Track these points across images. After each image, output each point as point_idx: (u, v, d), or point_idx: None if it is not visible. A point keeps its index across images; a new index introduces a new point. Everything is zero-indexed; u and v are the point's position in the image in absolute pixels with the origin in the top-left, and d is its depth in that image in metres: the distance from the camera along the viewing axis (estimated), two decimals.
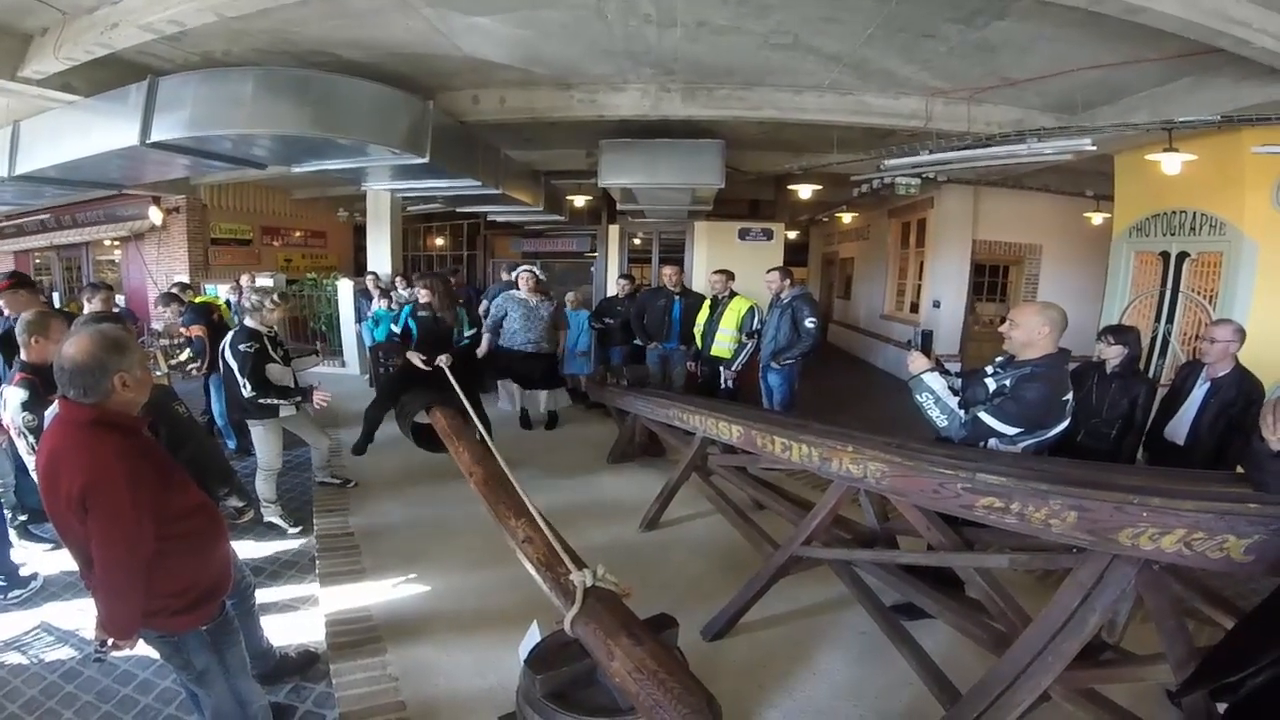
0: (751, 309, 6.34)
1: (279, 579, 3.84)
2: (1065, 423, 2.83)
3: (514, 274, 7.20)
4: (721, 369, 6.42)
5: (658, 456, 5.83)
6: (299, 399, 4.37)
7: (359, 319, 9.40)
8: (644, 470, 5.66)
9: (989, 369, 3.07)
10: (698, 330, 6.70)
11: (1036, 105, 5.99)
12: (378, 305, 8.12)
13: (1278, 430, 1.78)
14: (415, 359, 5.12)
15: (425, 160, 5.57)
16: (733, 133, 7.03)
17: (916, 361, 3.09)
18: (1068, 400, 2.82)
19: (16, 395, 3.04)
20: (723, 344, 6.40)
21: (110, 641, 1.89)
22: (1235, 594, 2.48)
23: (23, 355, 3.25)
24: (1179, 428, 3.80)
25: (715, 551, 4.17)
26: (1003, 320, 3.24)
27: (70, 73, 4.85)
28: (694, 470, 4.39)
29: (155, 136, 4.90)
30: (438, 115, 5.73)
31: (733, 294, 6.50)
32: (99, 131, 5.24)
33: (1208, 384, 3.71)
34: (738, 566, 3.71)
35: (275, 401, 4.30)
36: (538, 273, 7.01)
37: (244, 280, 9.03)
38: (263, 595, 3.49)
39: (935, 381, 2.98)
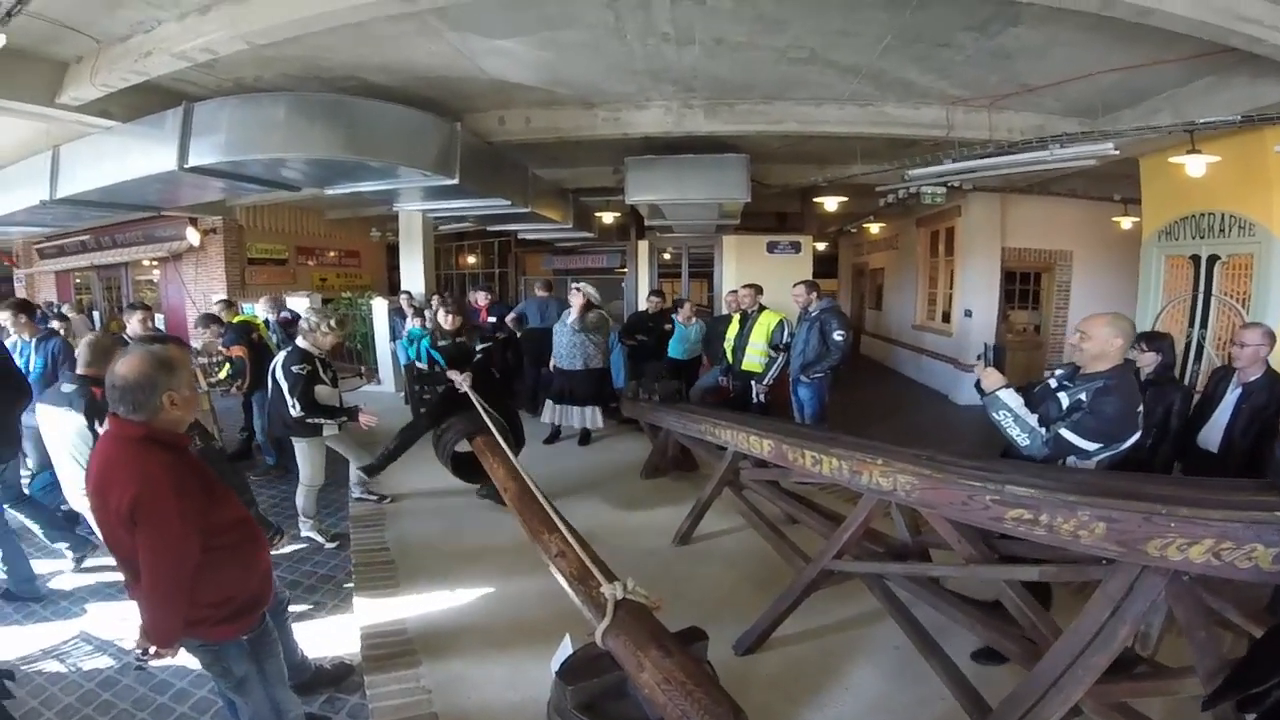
0: (781, 322, 6.35)
1: (315, 592, 3.93)
2: (1138, 434, 2.76)
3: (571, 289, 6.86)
4: (753, 383, 6.43)
5: (690, 471, 5.84)
6: (344, 419, 4.41)
7: (393, 337, 9.55)
8: (677, 485, 5.68)
9: (1052, 382, 2.99)
10: (728, 345, 6.73)
11: (1057, 110, 5.96)
12: (412, 324, 8.25)
13: None
14: (457, 377, 4.97)
15: (455, 181, 5.70)
16: (756, 146, 7.07)
17: (990, 378, 2.95)
18: (1140, 411, 2.78)
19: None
20: (753, 358, 6.42)
21: (152, 650, 1.95)
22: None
23: None
24: (1212, 435, 3.73)
25: (748, 566, 4.17)
26: (1056, 331, 3.19)
27: (107, 99, 4.99)
28: (726, 485, 4.40)
29: (193, 161, 5.06)
30: (465, 136, 5.86)
31: (761, 308, 6.52)
32: (137, 156, 5.39)
33: (1239, 389, 3.65)
34: (770, 581, 3.70)
35: (322, 421, 4.35)
36: (592, 293, 6.68)
37: (297, 300, 9.22)
38: (298, 608, 3.60)
39: (1012, 399, 2.87)
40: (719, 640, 2.40)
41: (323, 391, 4.39)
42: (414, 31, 4.50)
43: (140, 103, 5.23)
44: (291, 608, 3.09)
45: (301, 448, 4.49)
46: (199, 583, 1.95)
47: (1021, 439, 2.79)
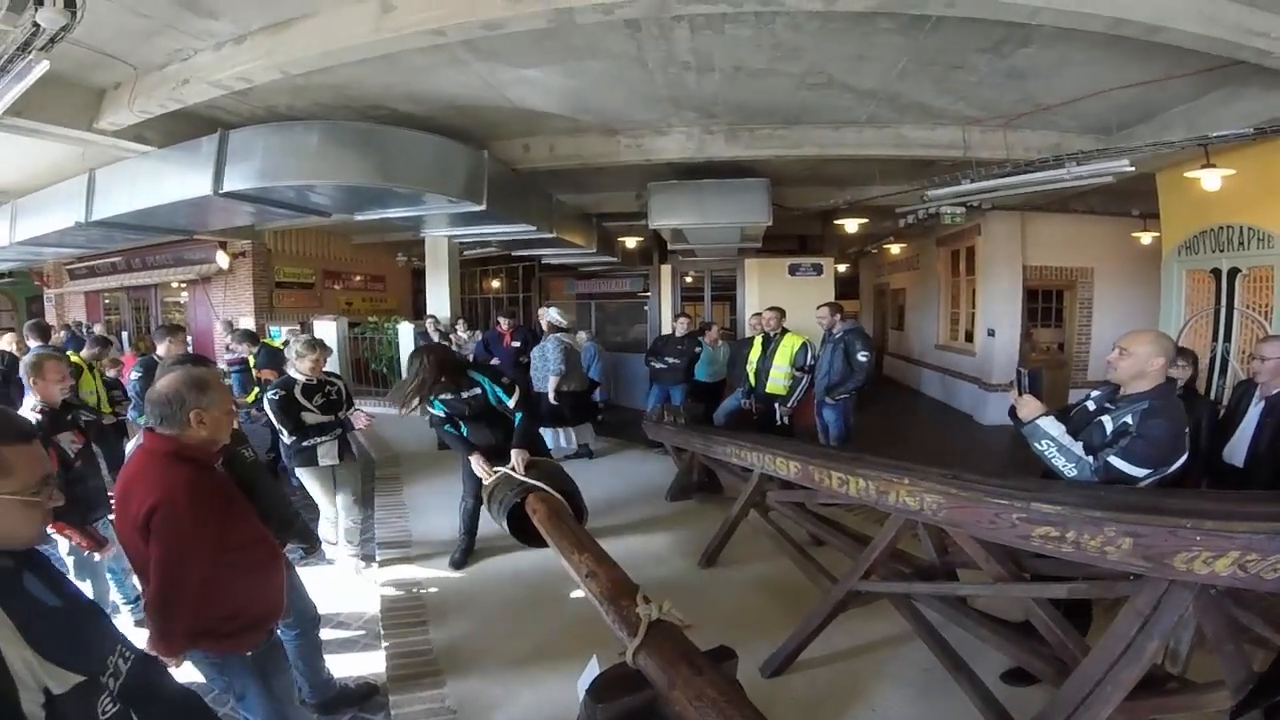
0: (804, 344, 6.39)
1: (342, 611, 3.94)
2: (1185, 455, 2.62)
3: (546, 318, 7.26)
4: (777, 405, 6.46)
5: (716, 493, 5.82)
6: (338, 430, 4.27)
7: None
8: (702, 507, 5.68)
9: (1091, 404, 2.88)
10: (750, 368, 6.76)
11: (1072, 129, 6.00)
12: None
13: None
14: (478, 468, 3.94)
15: (483, 207, 5.82)
16: (777, 170, 7.16)
17: (1027, 406, 2.79)
18: (1187, 431, 2.65)
19: None
20: (777, 380, 6.46)
21: (156, 656, 1.96)
22: None
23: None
24: (1237, 449, 3.68)
25: (774, 587, 4.17)
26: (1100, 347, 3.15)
27: (143, 124, 5.11)
28: (752, 506, 4.39)
29: (227, 187, 5.23)
30: (492, 164, 6.00)
31: (784, 331, 6.56)
32: (172, 181, 5.55)
33: (1262, 403, 3.60)
34: (797, 602, 3.69)
35: (315, 441, 4.18)
36: (553, 317, 7.13)
37: (324, 324, 9.33)
38: (325, 627, 3.64)
39: (1053, 427, 2.71)
40: (746, 662, 2.41)
41: (308, 418, 4.20)
42: (443, 63, 4.63)
43: (175, 128, 5.39)
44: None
45: (305, 480, 4.35)
46: (209, 594, 2.00)
47: (1068, 469, 2.64)
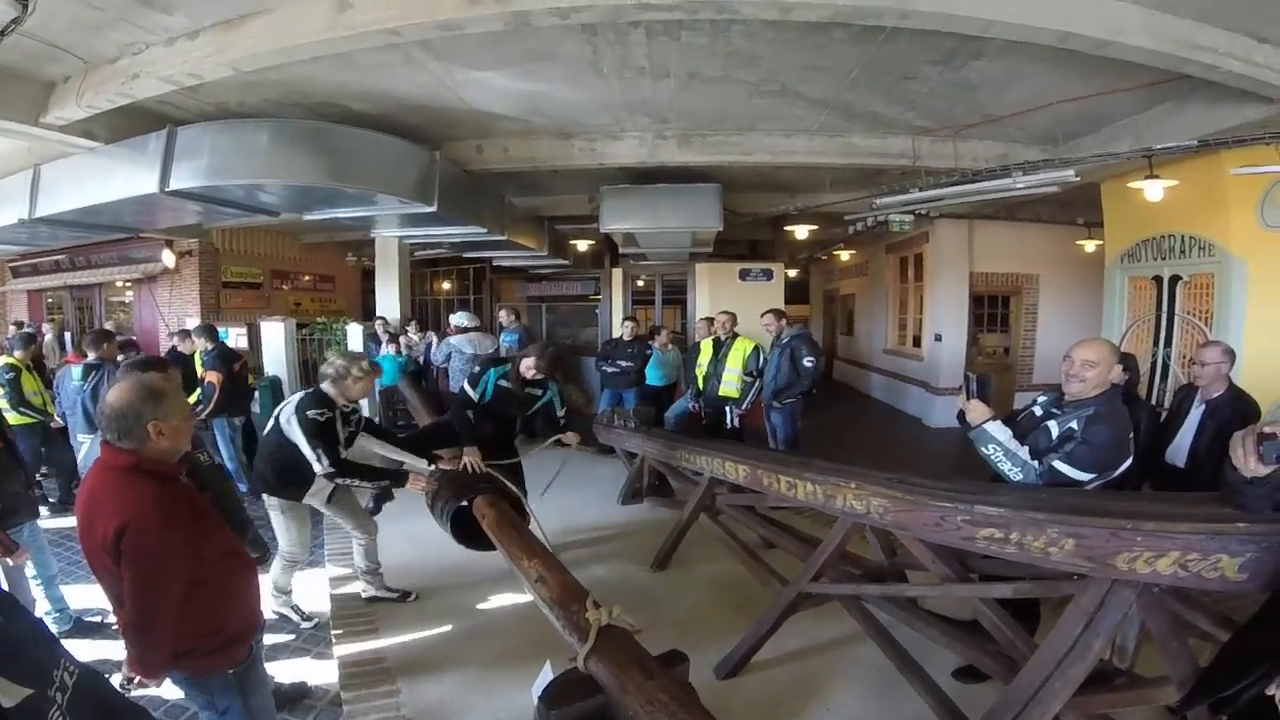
0: (756, 348, 6.50)
1: (291, 620, 3.86)
2: (1130, 460, 2.67)
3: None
4: (729, 409, 6.55)
5: (667, 497, 5.86)
6: (385, 483, 3.76)
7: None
8: (654, 510, 5.70)
9: (1038, 409, 2.91)
10: (700, 371, 6.83)
11: (1020, 139, 6.17)
12: (386, 350, 8.19)
13: (1249, 461, 1.84)
14: (470, 459, 3.96)
15: (433, 209, 5.74)
16: (729, 176, 7.20)
17: (975, 410, 2.81)
18: (1131, 437, 2.69)
19: None
20: (730, 384, 6.54)
21: (136, 679, 1.93)
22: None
23: None
24: (1179, 451, 3.83)
25: (726, 590, 4.20)
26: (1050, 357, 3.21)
27: (91, 119, 4.95)
28: (703, 510, 4.43)
29: (174, 185, 5.06)
30: (444, 165, 5.91)
31: (735, 335, 6.64)
32: (119, 178, 5.37)
33: (1202, 406, 3.76)
34: (749, 604, 3.73)
35: (356, 484, 3.68)
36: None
37: (271, 324, 9.02)
38: (277, 636, 3.59)
39: (1000, 431, 2.75)
40: (699, 665, 2.42)
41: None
42: (398, 62, 4.56)
43: (123, 124, 5.22)
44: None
45: (276, 512, 3.73)
46: (188, 614, 1.93)
47: (1014, 473, 2.68)
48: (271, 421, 3.72)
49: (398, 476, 3.72)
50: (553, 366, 4.20)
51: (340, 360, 3.67)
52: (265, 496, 3.73)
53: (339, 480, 3.58)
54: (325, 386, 3.64)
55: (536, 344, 4.75)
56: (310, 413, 3.47)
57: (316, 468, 3.47)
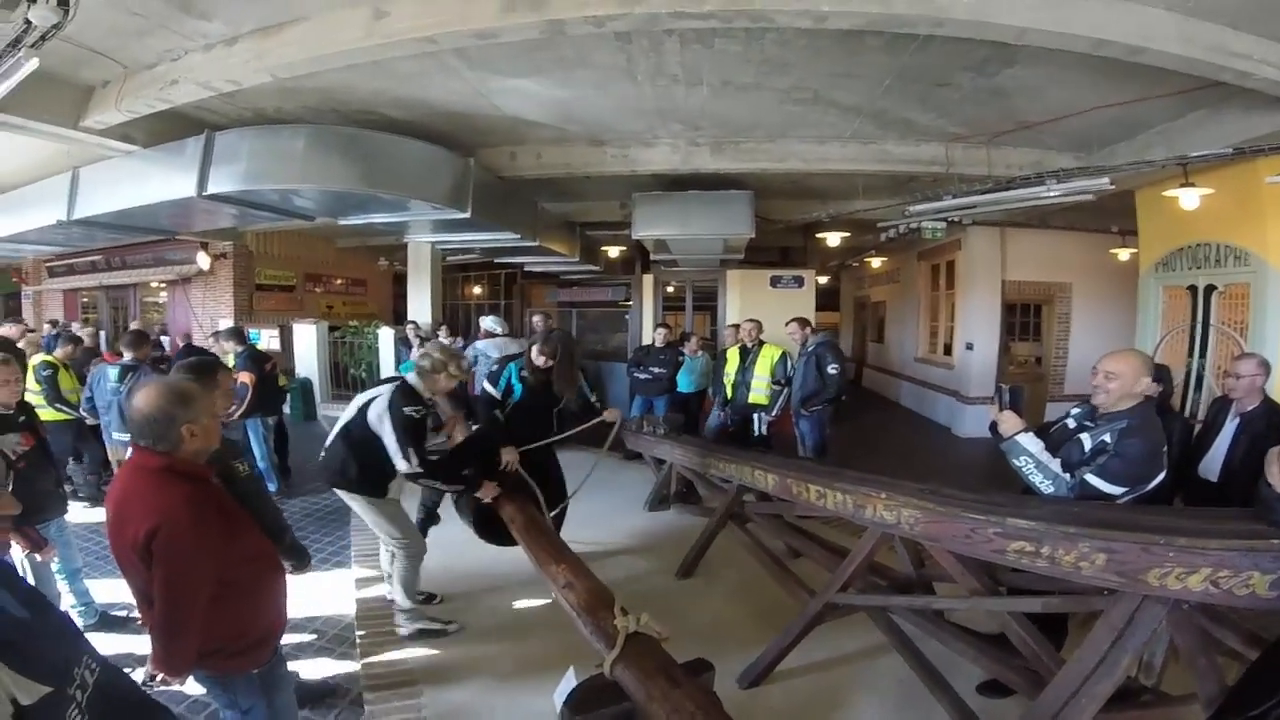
0: (783, 355, 6.48)
1: (315, 619, 3.90)
2: (1163, 473, 2.62)
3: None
4: (756, 416, 6.53)
5: (694, 504, 5.84)
6: (460, 488, 3.69)
7: (398, 366, 9.61)
8: (680, 517, 5.69)
9: (1071, 422, 2.88)
10: (728, 380, 6.81)
11: (1054, 146, 6.11)
12: (416, 354, 8.26)
13: None
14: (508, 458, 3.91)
15: (467, 215, 5.82)
16: (761, 183, 7.22)
17: (1007, 422, 2.78)
18: (1165, 450, 2.65)
19: None
20: (759, 391, 6.52)
21: (159, 677, 1.95)
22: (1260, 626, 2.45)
23: None
24: (1212, 465, 3.75)
25: (751, 599, 4.17)
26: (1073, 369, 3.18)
27: (130, 124, 5.07)
28: (730, 518, 4.42)
29: (211, 189, 5.19)
30: (478, 171, 6.01)
31: (762, 342, 6.62)
32: (157, 182, 5.51)
33: (1237, 419, 3.69)
34: (774, 614, 3.70)
35: (435, 485, 3.67)
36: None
37: (304, 327, 9.13)
38: (300, 636, 3.63)
39: (1032, 443, 2.72)
40: (723, 673, 2.41)
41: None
42: (433, 69, 4.64)
43: (161, 128, 5.35)
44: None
45: (369, 510, 3.60)
46: (215, 615, 1.95)
47: (1045, 486, 2.65)
48: (352, 415, 3.54)
49: (469, 482, 3.67)
50: (557, 350, 4.07)
51: (439, 354, 3.57)
52: (345, 494, 3.60)
53: (421, 482, 3.54)
54: (412, 379, 3.55)
55: (541, 331, 4.85)
56: (406, 409, 3.38)
57: (400, 465, 3.37)
